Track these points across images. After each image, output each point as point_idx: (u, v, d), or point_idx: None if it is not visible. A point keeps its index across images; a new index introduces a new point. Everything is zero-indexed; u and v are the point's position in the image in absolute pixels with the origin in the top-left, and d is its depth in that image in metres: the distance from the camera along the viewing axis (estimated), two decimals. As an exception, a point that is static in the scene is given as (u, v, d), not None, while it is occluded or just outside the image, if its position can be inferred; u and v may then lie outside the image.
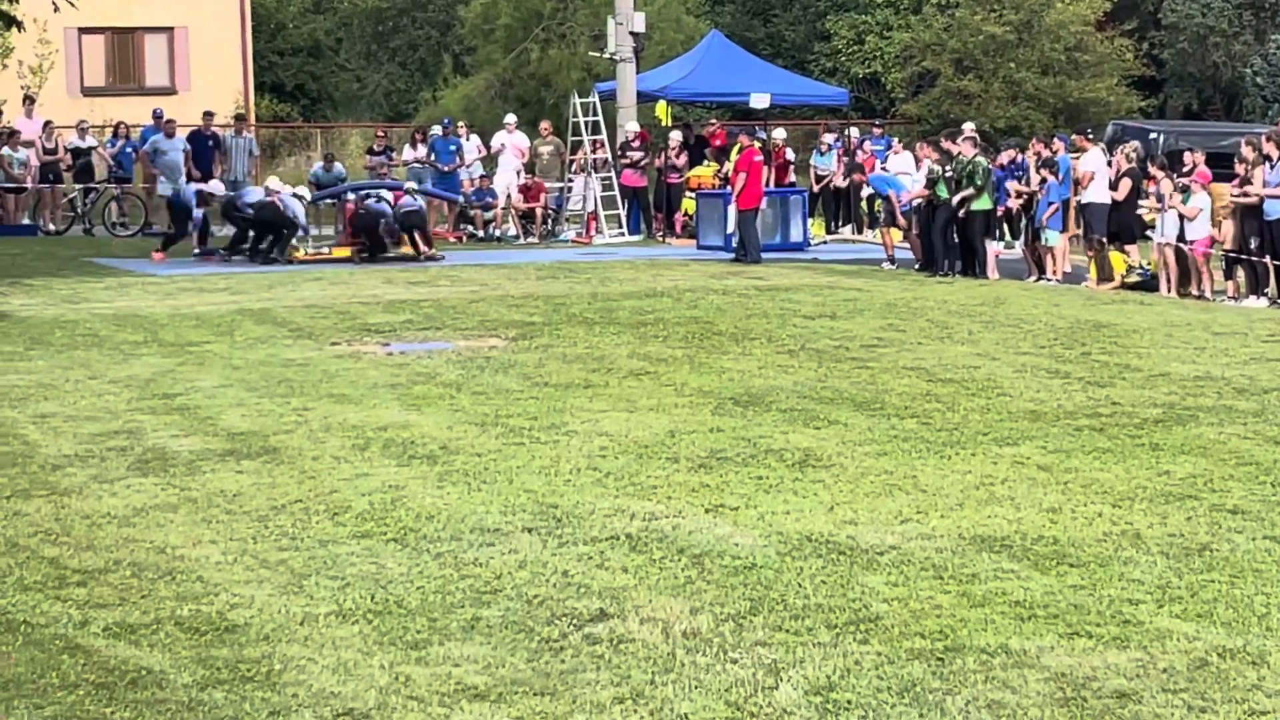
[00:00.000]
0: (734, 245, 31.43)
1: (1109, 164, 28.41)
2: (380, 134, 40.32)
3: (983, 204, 28.73)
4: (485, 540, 10.23)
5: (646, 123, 40.12)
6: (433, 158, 37.85)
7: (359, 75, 62.25)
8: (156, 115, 37.74)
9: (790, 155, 38.36)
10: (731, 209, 32.05)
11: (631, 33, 38.29)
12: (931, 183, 29.34)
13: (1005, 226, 30.97)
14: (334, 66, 62.03)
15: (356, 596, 9.07)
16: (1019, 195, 29.38)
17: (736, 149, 34.33)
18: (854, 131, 40.50)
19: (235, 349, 18.96)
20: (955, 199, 28.37)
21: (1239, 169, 25.36)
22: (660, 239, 36.59)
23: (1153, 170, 27.83)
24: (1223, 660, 7.85)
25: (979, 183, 28.54)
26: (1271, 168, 24.39)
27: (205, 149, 37.61)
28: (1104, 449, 13.23)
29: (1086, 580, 9.26)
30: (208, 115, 38.75)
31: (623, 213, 37.37)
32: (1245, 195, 25.06)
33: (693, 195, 36.33)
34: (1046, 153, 29.21)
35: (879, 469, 12.39)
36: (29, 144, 36.34)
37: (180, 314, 22.10)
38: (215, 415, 14.80)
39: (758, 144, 32.41)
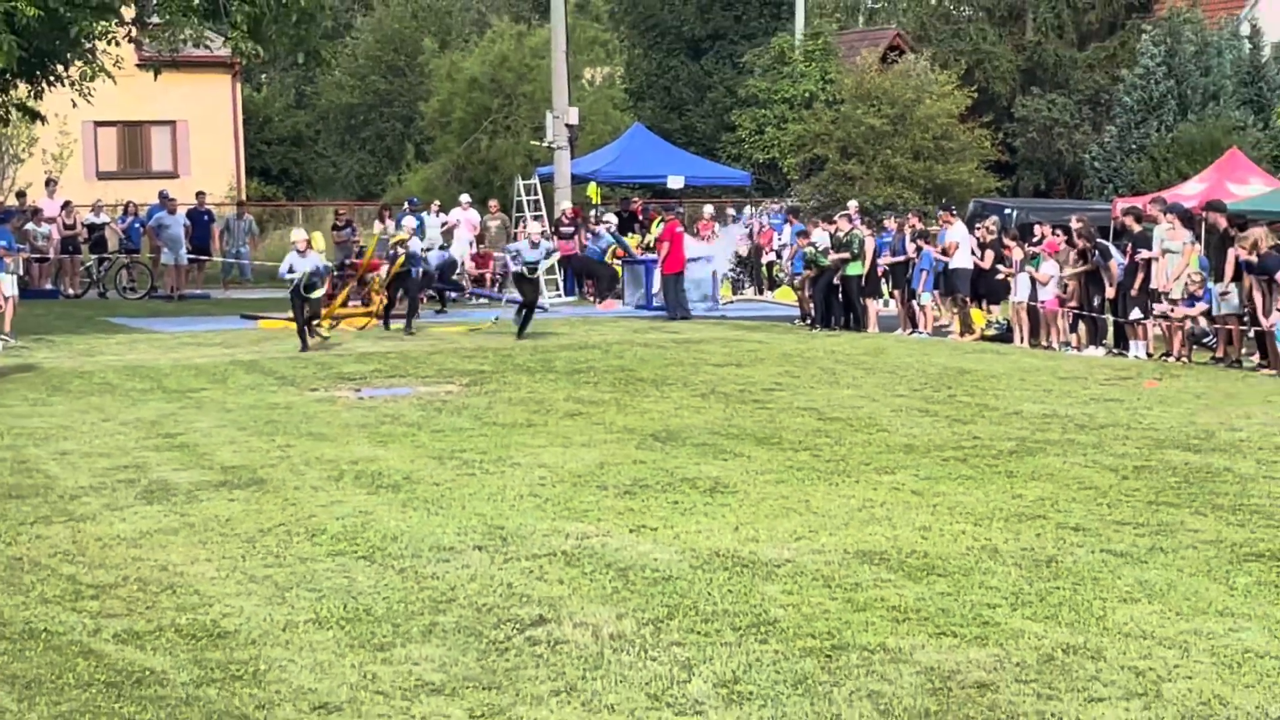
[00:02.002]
0: (665, 306, 31.79)
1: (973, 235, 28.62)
2: (340, 211, 40.50)
3: (855, 269, 29.00)
4: (442, 557, 10.19)
5: (580, 201, 40.18)
6: (419, 226, 37.80)
7: (334, 161, 62.11)
8: (162, 195, 37.65)
9: (717, 228, 38.39)
10: (656, 274, 32.33)
11: (567, 125, 38.39)
12: (809, 260, 29.73)
13: (884, 287, 31.10)
14: (313, 154, 61.87)
15: (331, 606, 9.01)
16: (893, 259, 29.57)
17: (657, 222, 34.49)
18: (748, 209, 40.60)
19: (228, 394, 18.85)
20: (830, 260, 28.83)
21: (1079, 242, 25.55)
22: (591, 300, 36.56)
23: (1007, 241, 28.07)
24: (1067, 655, 7.87)
25: (854, 250, 28.82)
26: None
27: (201, 223, 37.84)
28: (967, 476, 13.27)
29: (952, 588, 9.28)
30: (200, 195, 38.99)
31: (559, 278, 37.37)
32: (1085, 263, 25.24)
33: (619, 262, 36.38)
34: (920, 226, 29.59)
35: (777, 494, 12.39)
36: (51, 220, 36.17)
37: (181, 365, 21.95)
38: (211, 451, 14.70)
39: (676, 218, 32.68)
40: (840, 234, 29.24)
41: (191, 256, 37.25)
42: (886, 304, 30.88)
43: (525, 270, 26.92)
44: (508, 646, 8.14)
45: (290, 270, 24.04)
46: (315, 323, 25.21)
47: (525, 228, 29.66)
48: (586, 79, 56.75)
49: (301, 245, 24.38)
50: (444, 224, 38.82)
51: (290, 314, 25.36)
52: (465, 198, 40.09)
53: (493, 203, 40.21)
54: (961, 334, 27.99)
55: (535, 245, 27.13)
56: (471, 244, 38.49)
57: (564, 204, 38.39)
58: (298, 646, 8.23)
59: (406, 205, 39.84)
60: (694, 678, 7.54)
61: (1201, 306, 23.51)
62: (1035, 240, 27.32)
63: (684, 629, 8.41)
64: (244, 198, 46.43)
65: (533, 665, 7.82)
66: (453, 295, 33.39)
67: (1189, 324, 23.04)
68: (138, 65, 36.04)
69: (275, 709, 7.27)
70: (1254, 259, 21.87)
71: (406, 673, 7.72)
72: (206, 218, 38.25)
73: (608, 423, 16.40)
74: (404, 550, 10.40)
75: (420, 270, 28.82)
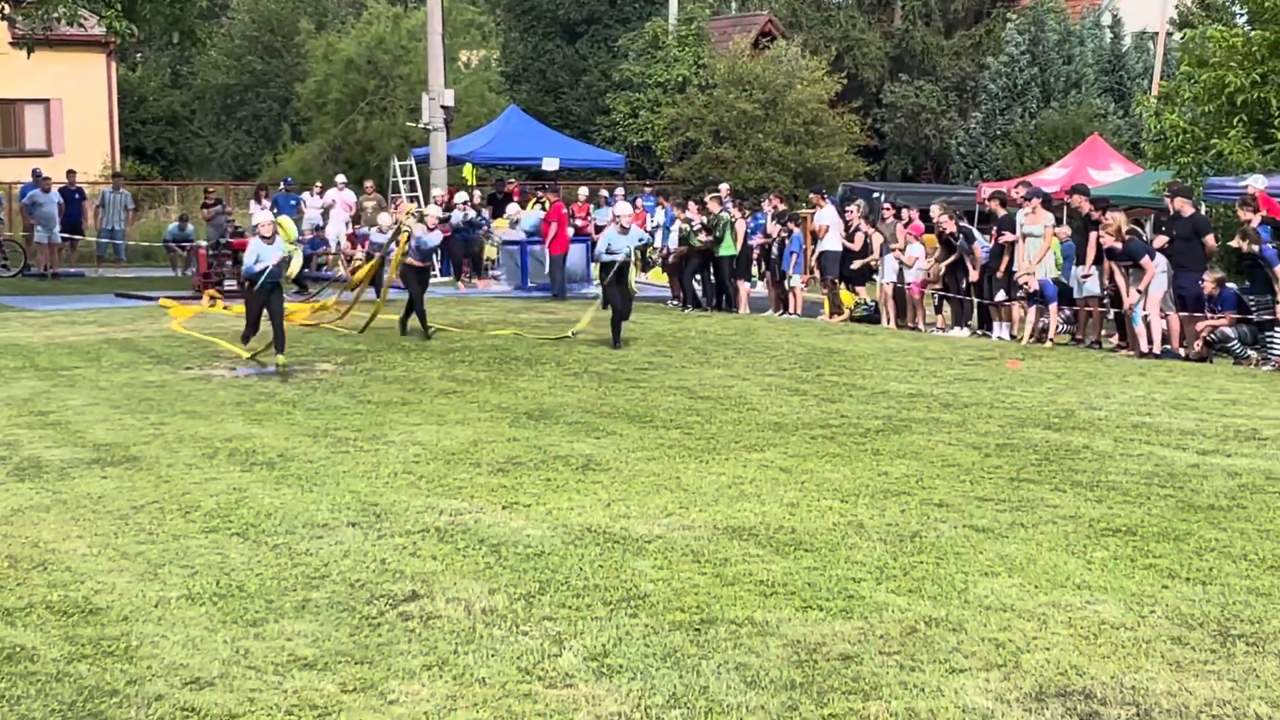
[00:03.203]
0: (547, 286, 31.90)
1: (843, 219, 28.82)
2: (210, 189, 40.19)
3: (727, 250, 29.15)
4: (315, 534, 10.12)
5: (455, 182, 40.03)
6: (276, 210, 37.46)
7: (210, 141, 61.33)
8: (35, 173, 37.09)
9: (592, 210, 38.35)
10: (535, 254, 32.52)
11: (443, 106, 38.16)
12: (684, 237, 29.83)
13: (755, 269, 31.24)
14: (189, 133, 61.13)
15: (204, 582, 8.93)
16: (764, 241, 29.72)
17: (535, 203, 34.46)
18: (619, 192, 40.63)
19: (102, 373, 18.61)
20: (700, 242, 29.01)
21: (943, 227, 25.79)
22: (468, 280, 36.43)
23: (865, 227, 28.29)
24: (929, 628, 7.95)
25: (719, 234, 28.99)
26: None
27: (73, 201, 37.36)
28: (834, 454, 13.36)
29: (819, 563, 9.33)
30: (70, 173, 38.53)
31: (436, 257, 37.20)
32: (949, 249, 25.48)
33: (496, 243, 36.29)
34: (783, 207, 29.86)
35: (648, 471, 12.41)
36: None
37: (54, 343, 21.64)
38: (84, 429, 14.51)
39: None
40: (710, 217, 29.36)
41: (65, 235, 36.75)
42: (755, 285, 31.03)
43: (613, 261, 22.47)
44: (380, 622, 8.10)
45: (258, 261, 19.66)
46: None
47: (614, 208, 25.35)
48: (463, 61, 56.53)
49: (267, 230, 19.97)
50: (322, 205, 38.60)
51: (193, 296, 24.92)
52: (341, 178, 39.90)
53: (368, 183, 39.96)
54: (830, 315, 28.17)
55: (625, 230, 22.90)
56: (347, 224, 38.34)
57: (438, 187, 38.27)
58: (170, 623, 8.15)
59: (282, 185, 39.67)
60: (565, 651, 7.54)
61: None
62: (906, 223, 27.54)
63: (555, 604, 8.40)
64: (119, 172, 45.81)
65: (405, 640, 7.79)
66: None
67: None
68: (11, 43, 35.43)
69: (147, 684, 7.19)
70: (1117, 244, 22.17)
71: (279, 648, 7.67)
72: (78, 195, 37.77)
73: (482, 401, 16.35)
74: (278, 527, 10.32)
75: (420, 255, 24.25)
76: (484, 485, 11.82)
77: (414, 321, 23.43)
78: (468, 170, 40.89)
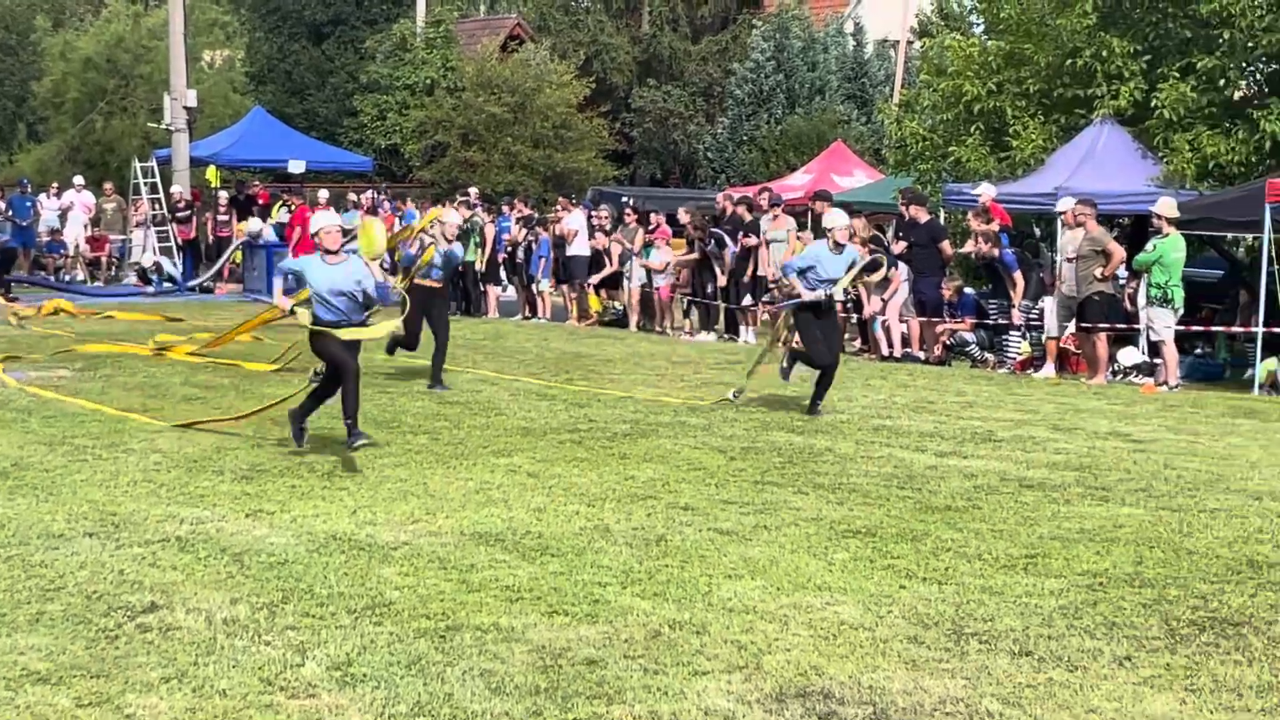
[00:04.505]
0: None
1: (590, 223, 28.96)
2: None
3: (470, 255, 29.23)
4: (51, 545, 9.88)
5: (198, 184, 39.43)
6: (11, 213, 36.57)
7: (-60, 139, 59.78)
8: None
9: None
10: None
11: (185, 107, 37.65)
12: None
13: (503, 274, 31.29)
14: (-84, 131, 59.50)
15: (-67, 597, 8.68)
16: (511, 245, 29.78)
17: (280, 206, 34.09)
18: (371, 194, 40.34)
19: None
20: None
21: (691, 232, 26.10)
22: (212, 284, 35.92)
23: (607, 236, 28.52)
24: (673, 630, 8.02)
25: (476, 240, 29.01)
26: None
27: None
28: (582, 459, 13.42)
29: (565, 567, 9.37)
30: None
31: (178, 260, 36.64)
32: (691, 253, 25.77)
33: (239, 246, 35.84)
34: (528, 211, 30.02)
35: (395, 478, 12.34)
36: None
37: None
38: None
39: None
40: (462, 221, 29.39)
41: None
42: (505, 290, 31.07)
43: (822, 293, 16.56)
44: (118, 634, 7.94)
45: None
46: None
47: (830, 220, 17.13)
48: (206, 61, 55.71)
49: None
50: (60, 207, 37.74)
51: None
52: (79, 180, 39.07)
53: (107, 185, 39.23)
54: (579, 319, 28.30)
55: (840, 247, 16.69)
56: (86, 227, 37.56)
57: (178, 187, 37.68)
58: (-104, 639, 7.90)
59: (19, 187, 38.66)
60: (308, 661, 7.47)
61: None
62: (651, 228, 27.79)
63: (299, 613, 8.32)
64: None
65: (143, 652, 7.64)
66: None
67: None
68: None
69: None
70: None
71: (11, 663, 7.47)
72: None
73: (225, 407, 16.11)
74: (11, 538, 10.06)
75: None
76: (227, 493, 11.65)
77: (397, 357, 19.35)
78: (211, 172, 40.31)
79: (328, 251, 13.16)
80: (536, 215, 30.77)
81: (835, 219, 16.91)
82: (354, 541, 10.02)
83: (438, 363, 18.04)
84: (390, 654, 7.57)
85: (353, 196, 38.68)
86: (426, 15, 52.28)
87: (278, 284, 13.89)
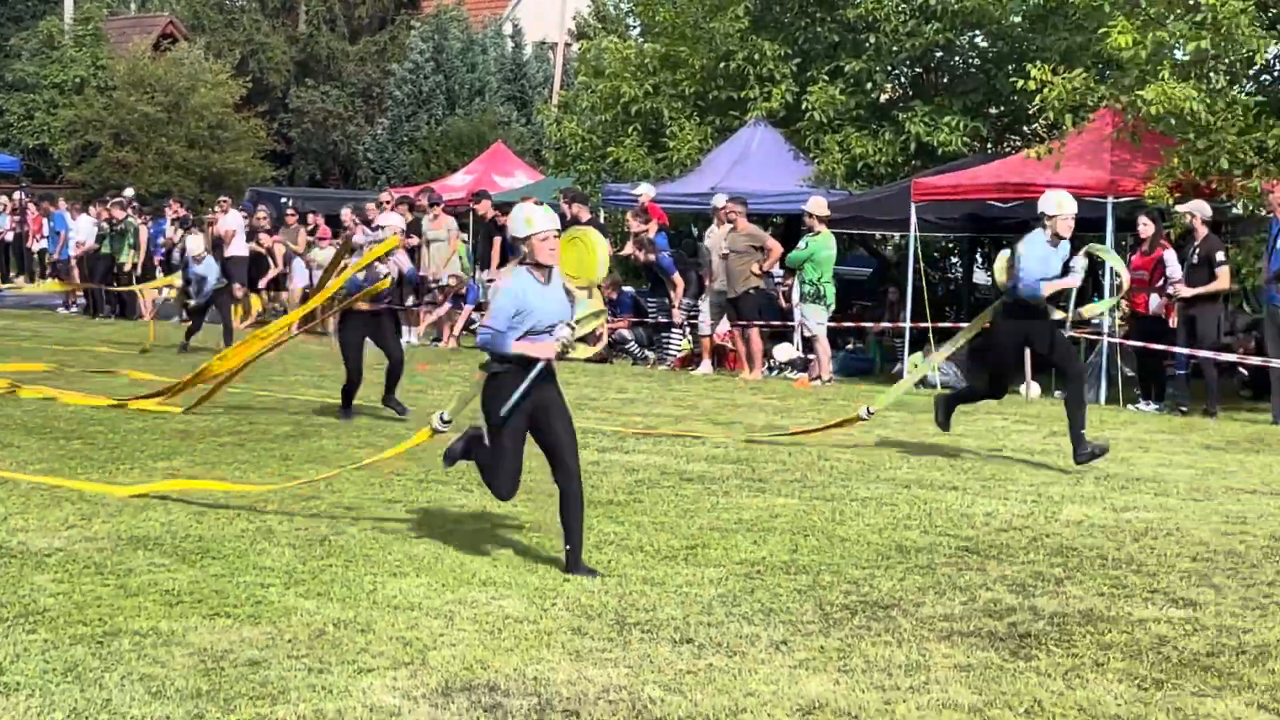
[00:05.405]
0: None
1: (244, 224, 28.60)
2: None
3: (132, 256, 28.68)
4: None
5: None
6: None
7: None
8: None
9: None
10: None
11: None
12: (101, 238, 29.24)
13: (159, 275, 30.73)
14: None
15: None
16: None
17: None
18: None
19: None
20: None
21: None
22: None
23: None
24: (338, 629, 7.98)
25: (129, 241, 28.46)
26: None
27: None
28: (244, 460, 13.27)
29: (227, 570, 9.25)
30: None
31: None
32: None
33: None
34: (184, 212, 29.63)
35: (47, 485, 12.02)
36: None
37: None
38: None
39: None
40: (115, 222, 28.72)
41: None
42: (163, 292, 30.50)
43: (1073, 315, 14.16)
44: None
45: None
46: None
47: (1052, 214, 13.30)
48: None
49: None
50: None
51: None
52: None
53: None
54: (241, 322, 27.88)
55: (1058, 241, 13.39)
56: None
57: None
58: None
59: None
60: (-44, 673, 7.24)
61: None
62: (311, 230, 27.55)
63: (-54, 624, 8.06)
64: None
65: None
66: None
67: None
68: None
69: None
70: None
71: None
72: None
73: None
74: None
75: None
76: None
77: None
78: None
79: None
80: (192, 217, 30.23)
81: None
82: (5, 549, 9.72)
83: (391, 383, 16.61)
84: (45, 661, 7.38)
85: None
86: (75, 12, 50.97)
87: None
